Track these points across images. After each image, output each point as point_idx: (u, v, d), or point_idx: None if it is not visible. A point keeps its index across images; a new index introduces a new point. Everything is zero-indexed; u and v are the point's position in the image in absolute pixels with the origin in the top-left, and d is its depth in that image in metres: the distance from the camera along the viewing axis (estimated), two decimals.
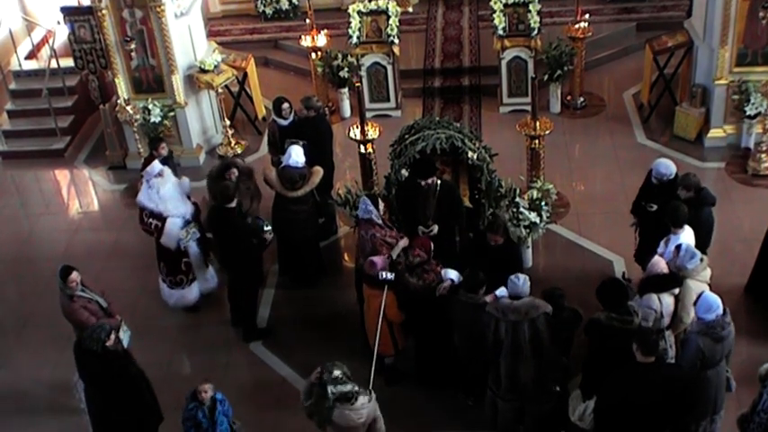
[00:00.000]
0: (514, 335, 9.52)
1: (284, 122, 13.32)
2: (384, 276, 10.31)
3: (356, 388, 8.94)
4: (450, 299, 10.35)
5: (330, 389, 8.92)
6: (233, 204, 11.67)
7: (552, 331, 9.64)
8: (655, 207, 11.20)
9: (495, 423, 10.34)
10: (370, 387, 9.30)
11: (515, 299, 9.61)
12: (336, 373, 8.94)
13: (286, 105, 13.29)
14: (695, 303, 9.34)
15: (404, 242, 11.09)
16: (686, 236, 10.39)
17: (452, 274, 10.56)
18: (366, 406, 8.96)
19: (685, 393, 8.89)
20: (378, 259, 10.56)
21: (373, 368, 9.67)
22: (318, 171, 12.51)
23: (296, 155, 12.37)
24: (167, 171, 12.33)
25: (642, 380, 8.74)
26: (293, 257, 12.88)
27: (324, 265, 13.25)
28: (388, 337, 10.70)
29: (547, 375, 9.82)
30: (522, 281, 9.66)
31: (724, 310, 9.23)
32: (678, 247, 10.01)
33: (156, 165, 12.29)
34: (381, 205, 11.19)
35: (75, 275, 10.60)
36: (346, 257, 13.58)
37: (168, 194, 12.13)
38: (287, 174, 12.36)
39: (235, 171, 12.35)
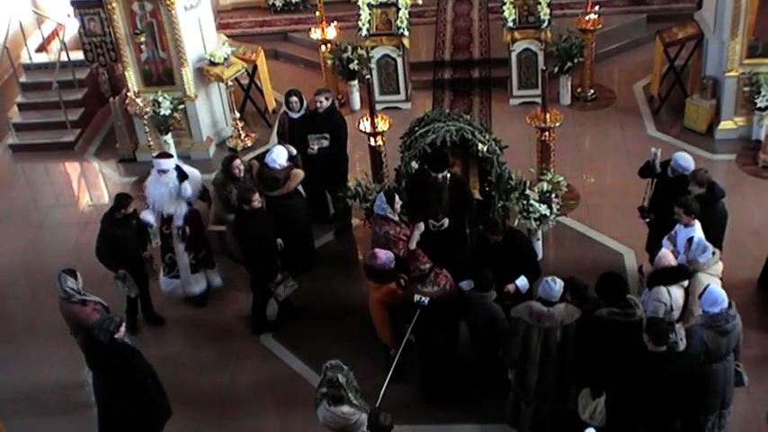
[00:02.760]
0: (545, 341, 9.48)
1: (295, 115, 13.30)
2: (419, 300, 10.18)
3: (349, 396, 8.86)
4: (465, 300, 10.36)
5: (323, 388, 8.94)
6: (255, 205, 11.60)
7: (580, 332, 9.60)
8: (649, 219, 11.34)
9: (516, 423, 10.31)
10: (377, 404, 9.19)
11: (547, 302, 9.45)
12: (338, 376, 8.90)
13: (294, 99, 13.24)
14: (700, 296, 9.35)
15: (419, 229, 11.09)
16: (695, 232, 10.37)
17: (520, 282, 10.66)
18: (347, 417, 8.82)
19: (696, 383, 8.91)
20: (381, 253, 10.50)
21: (384, 389, 9.51)
22: (297, 175, 12.51)
23: (275, 155, 12.40)
24: (171, 173, 12.24)
25: (654, 369, 8.76)
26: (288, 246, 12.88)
27: (315, 255, 13.29)
28: (389, 331, 10.74)
29: (570, 376, 9.79)
30: (558, 286, 9.45)
31: (729, 303, 9.24)
32: (690, 240, 10.00)
33: (165, 162, 12.26)
34: (398, 203, 11.11)
35: (78, 275, 10.72)
36: (358, 250, 13.56)
37: (158, 195, 12.24)
38: (262, 173, 12.47)
39: (238, 162, 12.35)
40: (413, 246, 10.93)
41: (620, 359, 9.00)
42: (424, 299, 10.15)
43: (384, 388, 9.46)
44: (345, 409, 8.80)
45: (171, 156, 12.68)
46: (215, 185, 12.50)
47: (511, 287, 10.62)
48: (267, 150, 12.81)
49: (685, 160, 11.30)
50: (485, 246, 10.90)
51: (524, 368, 9.72)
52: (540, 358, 9.57)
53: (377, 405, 9.14)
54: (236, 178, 12.27)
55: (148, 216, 12.24)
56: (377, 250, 10.56)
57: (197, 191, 12.54)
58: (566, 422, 9.87)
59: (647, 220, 11.76)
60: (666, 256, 9.99)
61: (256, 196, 11.64)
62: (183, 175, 12.37)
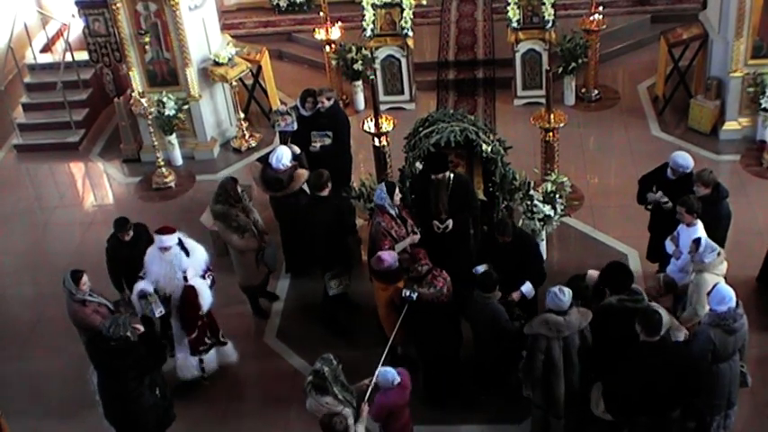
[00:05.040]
0: (566, 349, 9.46)
1: (306, 113, 13.32)
2: (407, 295, 10.21)
3: (334, 390, 8.91)
4: (467, 300, 10.35)
5: (309, 377, 9.03)
6: (326, 192, 11.60)
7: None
8: (670, 204, 11.12)
9: None
10: (366, 399, 9.21)
11: (559, 313, 9.40)
12: (324, 369, 8.94)
13: (311, 99, 13.29)
14: (709, 294, 9.34)
15: (412, 239, 11.11)
16: (698, 232, 10.36)
17: (525, 289, 10.62)
18: (329, 407, 8.88)
19: (691, 371, 8.96)
20: (386, 255, 10.53)
21: (372, 384, 9.45)
22: (301, 175, 12.50)
23: (279, 155, 12.41)
24: (173, 249, 10.97)
25: (648, 359, 8.82)
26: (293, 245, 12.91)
27: None
28: (398, 331, 10.72)
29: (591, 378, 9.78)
30: (567, 295, 9.41)
31: (737, 302, 9.24)
32: (696, 240, 9.95)
33: (167, 238, 10.93)
34: (398, 195, 11.14)
35: (85, 278, 10.60)
36: (362, 250, 13.54)
37: (155, 272, 10.97)
38: (265, 176, 12.48)
39: (236, 186, 11.89)
40: (399, 249, 10.93)
41: (627, 347, 9.07)
42: (412, 294, 10.15)
43: (372, 382, 9.42)
44: (329, 399, 8.88)
45: (173, 230, 11.18)
46: (218, 218, 11.88)
47: (516, 295, 10.58)
48: (270, 151, 12.79)
49: (684, 159, 11.26)
50: (492, 246, 10.87)
51: (550, 382, 9.65)
52: (565, 368, 9.54)
53: (365, 400, 9.17)
54: (238, 200, 11.83)
55: (144, 285, 10.88)
56: (381, 253, 10.59)
57: (200, 268, 11.26)
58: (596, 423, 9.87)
59: (668, 204, 11.28)
60: (593, 276, 10.03)
61: (328, 186, 11.61)
62: (185, 250, 11.19)
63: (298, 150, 12.75)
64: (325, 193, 11.62)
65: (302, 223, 11.86)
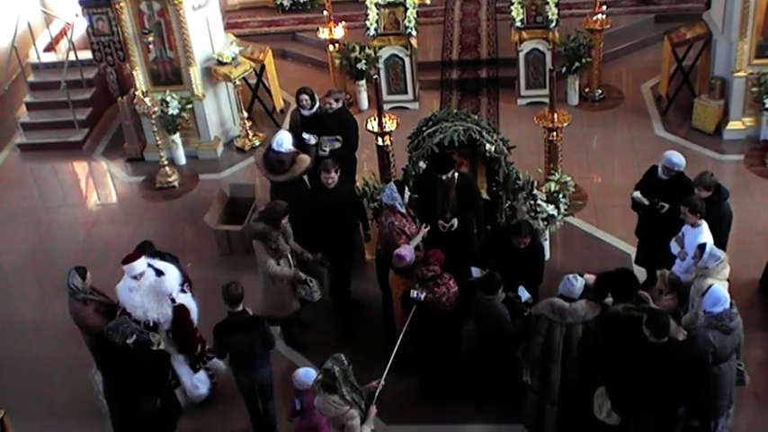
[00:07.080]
0: (567, 338, 9.47)
1: (306, 112, 13.32)
2: (415, 295, 10.18)
3: (342, 390, 8.87)
4: (469, 301, 10.34)
5: (320, 376, 8.99)
6: (330, 182, 11.61)
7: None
8: (666, 207, 11.12)
9: (539, 426, 10.28)
10: (374, 401, 9.16)
11: (568, 299, 9.46)
12: (335, 369, 8.93)
13: (304, 97, 13.24)
14: (702, 296, 9.35)
15: (423, 233, 11.12)
16: (703, 232, 10.36)
17: (524, 296, 10.56)
18: (336, 406, 8.85)
19: (697, 368, 8.94)
20: (404, 252, 10.49)
21: (382, 383, 9.35)
22: (303, 160, 12.55)
23: (280, 139, 12.49)
24: (148, 274, 10.43)
25: (655, 360, 8.82)
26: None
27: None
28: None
29: (591, 374, 9.75)
30: (579, 283, 9.46)
31: (730, 302, 9.25)
32: (701, 246, 9.91)
33: (137, 265, 10.39)
34: (407, 194, 11.15)
35: (89, 275, 10.62)
36: (365, 249, 13.54)
37: (139, 301, 10.38)
38: (267, 158, 12.55)
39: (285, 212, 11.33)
40: (413, 245, 10.93)
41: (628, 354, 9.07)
42: (420, 294, 10.13)
43: (380, 384, 9.39)
44: (336, 398, 8.87)
45: (140, 255, 10.55)
46: (259, 236, 11.16)
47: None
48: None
49: (679, 157, 11.23)
50: (501, 248, 10.84)
51: (547, 367, 9.71)
52: (563, 356, 9.57)
53: (374, 401, 9.14)
54: (279, 226, 11.26)
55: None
56: (400, 250, 10.52)
57: (177, 287, 10.69)
58: (592, 422, 9.81)
59: (663, 209, 11.28)
60: (589, 280, 9.95)
61: (334, 174, 11.58)
62: (157, 272, 10.62)
63: (313, 141, 12.81)
64: (330, 182, 11.62)
65: (311, 205, 11.84)
